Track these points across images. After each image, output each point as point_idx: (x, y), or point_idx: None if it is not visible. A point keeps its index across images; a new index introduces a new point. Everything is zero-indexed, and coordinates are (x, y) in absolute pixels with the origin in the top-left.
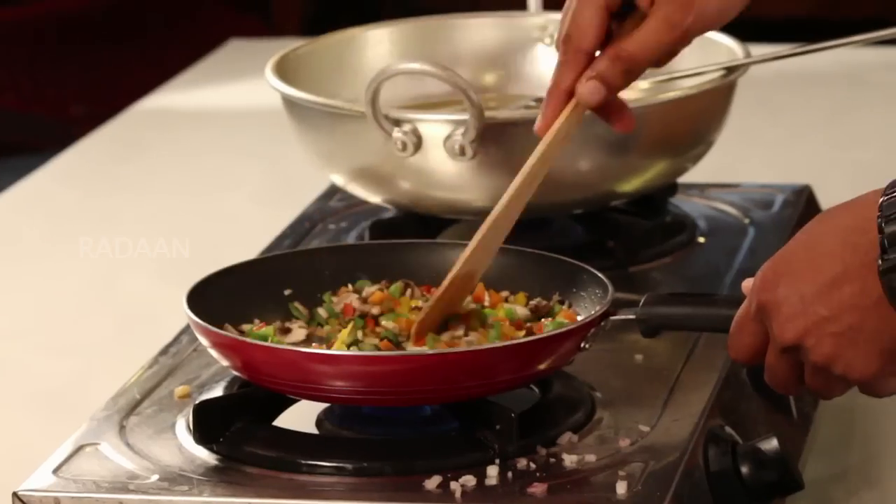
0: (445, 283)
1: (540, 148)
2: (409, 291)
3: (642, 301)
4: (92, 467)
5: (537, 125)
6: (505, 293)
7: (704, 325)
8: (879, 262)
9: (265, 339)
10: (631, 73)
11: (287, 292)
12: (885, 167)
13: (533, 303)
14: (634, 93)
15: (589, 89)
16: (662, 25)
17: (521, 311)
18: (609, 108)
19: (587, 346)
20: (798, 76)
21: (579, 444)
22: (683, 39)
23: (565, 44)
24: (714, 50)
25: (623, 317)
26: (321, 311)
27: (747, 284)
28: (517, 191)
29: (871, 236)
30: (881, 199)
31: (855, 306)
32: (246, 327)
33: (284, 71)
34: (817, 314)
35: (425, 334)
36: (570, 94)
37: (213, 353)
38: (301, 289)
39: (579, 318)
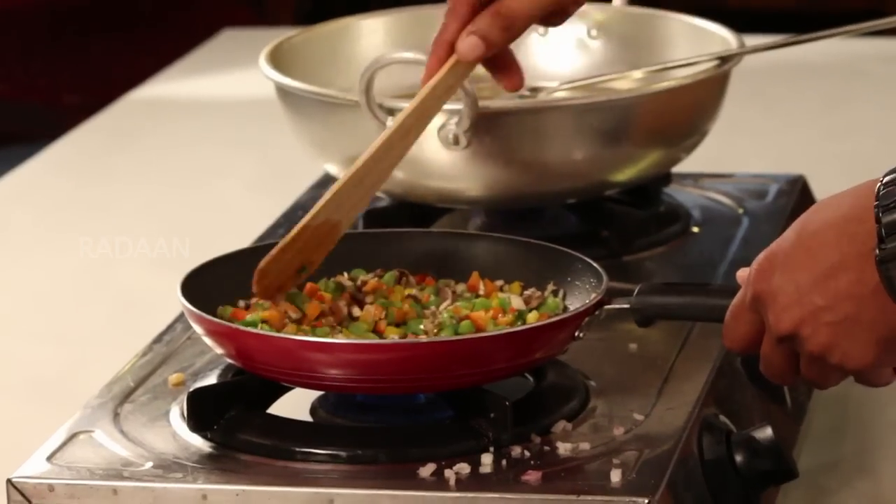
0: (297, 227)
1: (416, 100)
2: (403, 280)
3: (636, 290)
4: (86, 454)
5: (421, 76)
6: (500, 282)
7: (698, 314)
8: (877, 251)
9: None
10: (510, 30)
11: None
12: (878, 157)
13: (528, 292)
14: (628, 83)
15: (468, 45)
16: None
17: (516, 300)
18: (498, 64)
19: (581, 335)
20: (792, 67)
21: (573, 432)
22: None
23: None
24: (708, 40)
25: (617, 306)
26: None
27: (742, 274)
28: (386, 142)
29: (868, 226)
30: (878, 188)
31: (851, 296)
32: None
33: (278, 60)
34: (813, 304)
35: (267, 278)
36: (453, 43)
37: (208, 340)
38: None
39: (571, 307)
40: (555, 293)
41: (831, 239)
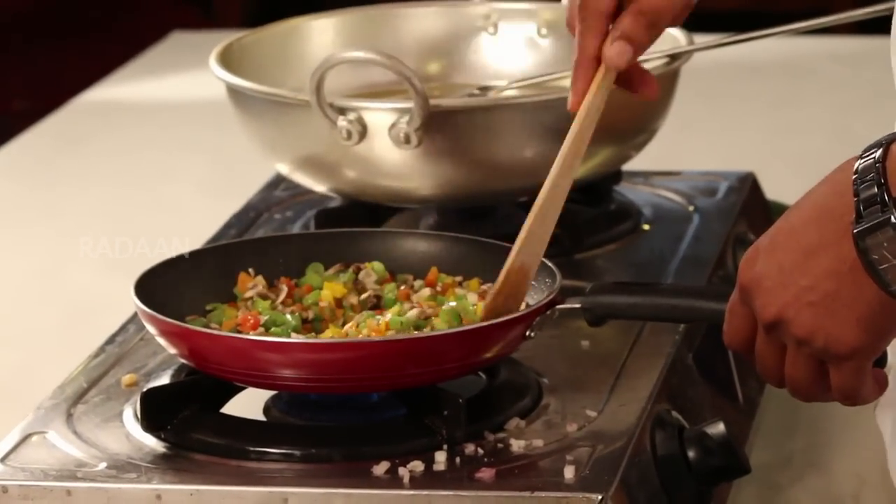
0: (501, 276)
1: (575, 126)
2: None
3: (587, 290)
4: (40, 455)
5: (570, 102)
6: (458, 278)
7: (649, 314)
8: (854, 225)
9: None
10: (655, 28)
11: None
12: (827, 154)
13: (484, 287)
14: None
15: (616, 50)
16: None
17: (472, 297)
18: (632, 75)
19: (532, 334)
20: (740, 65)
21: (527, 429)
22: None
23: (583, 10)
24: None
25: (569, 306)
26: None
27: None
28: (558, 175)
29: (845, 199)
30: (857, 163)
31: (831, 273)
32: (190, 318)
33: (228, 61)
34: (797, 284)
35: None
36: (598, 60)
37: (161, 341)
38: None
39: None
40: None
41: (812, 216)
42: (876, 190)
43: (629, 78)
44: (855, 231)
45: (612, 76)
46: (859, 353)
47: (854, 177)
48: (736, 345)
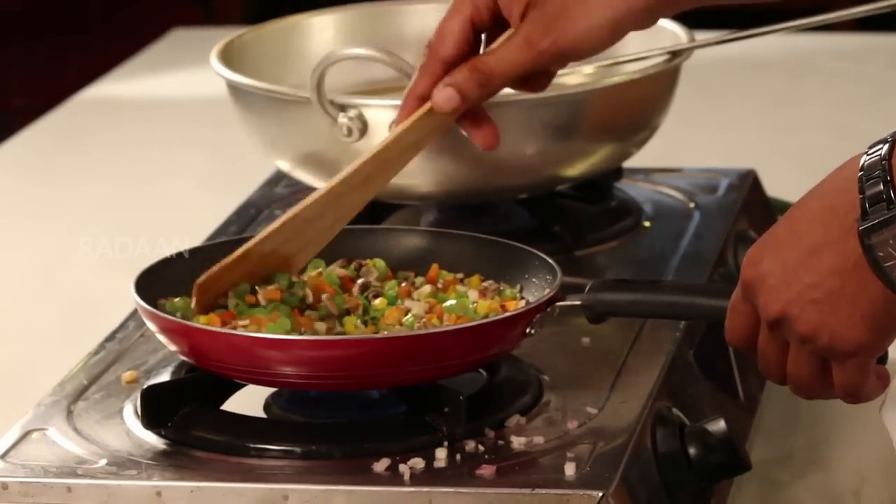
0: (241, 249)
1: (377, 147)
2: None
3: (588, 287)
4: (40, 452)
5: (390, 126)
6: (460, 275)
7: (650, 311)
8: (859, 222)
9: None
10: (486, 87)
11: None
12: (828, 151)
13: (485, 284)
14: (578, 77)
15: (443, 96)
16: (521, 44)
17: (473, 294)
18: (472, 121)
19: (532, 331)
20: (741, 62)
21: (527, 426)
22: (540, 61)
23: (428, 49)
24: (658, 35)
25: (569, 303)
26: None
27: None
28: (341, 184)
29: (850, 196)
30: (862, 160)
31: (835, 270)
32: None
33: (229, 58)
34: (801, 281)
35: (206, 294)
36: (424, 98)
37: (161, 338)
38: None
39: (521, 302)
40: (512, 288)
41: (816, 214)
42: (882, 187)
43: (469, 123)
44: (860, 228)
45: (440, 118)
46: (863, 350)
47: (860, 174)
48: (738, 342)
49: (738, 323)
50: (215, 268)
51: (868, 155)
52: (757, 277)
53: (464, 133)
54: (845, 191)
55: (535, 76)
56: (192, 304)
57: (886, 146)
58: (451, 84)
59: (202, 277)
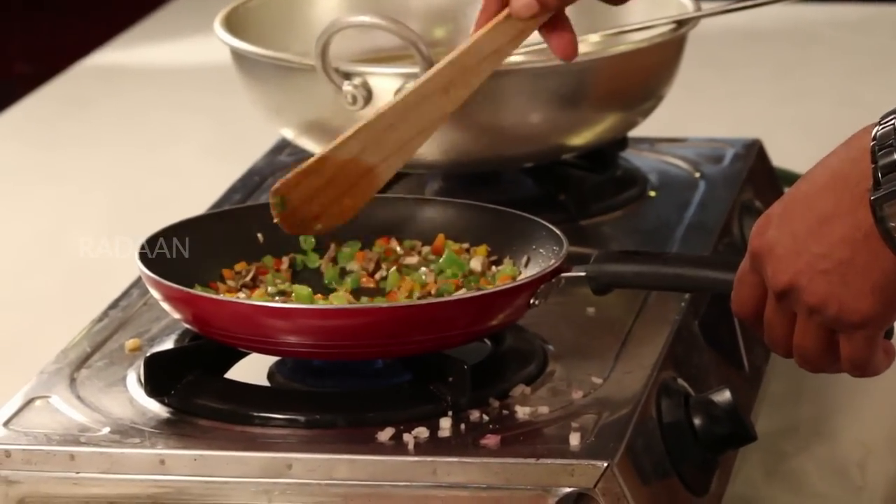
0: (316, 155)
1: (455, 52)
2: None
3: (592, 258)
4: (43, 420)
5: (471, 32)
6: (465, 245)
7: (654, 283)
8: (871, 192)
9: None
10: None
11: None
12: (833, 121)
13: (494, 258)
14: (584, 46)
15: (522, 2)
16: None
17: (475, 262)
18: (552, 30)
19: (536, 302)
20: (747, 32)
21: (532, 396)
22: None
23: None
24: (664, 4)
25: (573, 274)
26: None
27: None
28: (420, 89)
29: (862, 166)
30: (875, 129)
31: (846, 240)
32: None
33: (233, 25)
34: (810, 251)
35: (279, 194)
36: (504, 3)
37: (165, 306)
38: (251, 243)
39: (524, 272)
40: (516, 259)
41: (827, 183)
42: (895, 157)
43: (550, 32)
44: (872, 198)
45: (521, 24)
46: (872, 322)
47: (872, 143)
48: (744, 313)
49: (745, 294)
50: (291, 173)
51: (880, 125)
52: (765, 247)
53: (543, 41)
54: (857, 160)
55: None
56: (275, 218)
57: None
58: None
59: (277, 183)
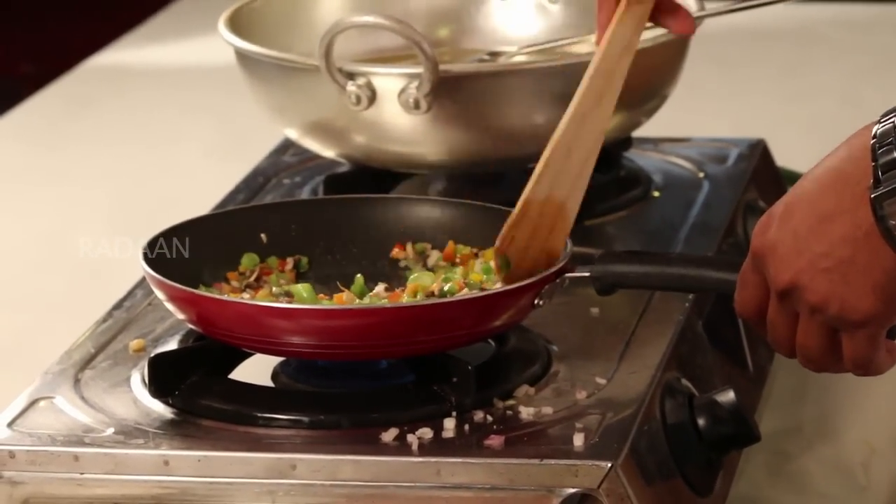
0: (520, 202)
1: (594, 61)
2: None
3: (596, 259)
4: (47, 421)
5: (595, 37)
6: (475, 249)
7: (659, 283)
8: (871, 190)
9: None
10: None
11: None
12: (836, 121)
13: None
14: (588, 46)
15: None
16: None
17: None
18: (664, 10)
19: (541, 302)
20: (751, 32)
21: (536, 396)
22: None
23: None
24: None
25: (577, 274)
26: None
27: None
28: (578, 108)
29: (863, 165)
30: (875, 128)
31: (846, 239)
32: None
33: (237, 25)
34: (811, 250)
35: (502, 253)
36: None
37: (170, 306)
38: (255, 243)
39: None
40: None
41: (828, 182)
42: (895, 154)
43: (662, 12)
44: (872, 196)
45: (639, 10)
46: (874, 320)
47: (872, 142)
48: (747, 313)
49: (748, 294)
50: (505, 229)
51: (880, 123)
52: (767, 246)
53: (659, 26)
54: (857, 159)
55: None
56: (495, 271)
57: None
58: None
59: (497, 242)
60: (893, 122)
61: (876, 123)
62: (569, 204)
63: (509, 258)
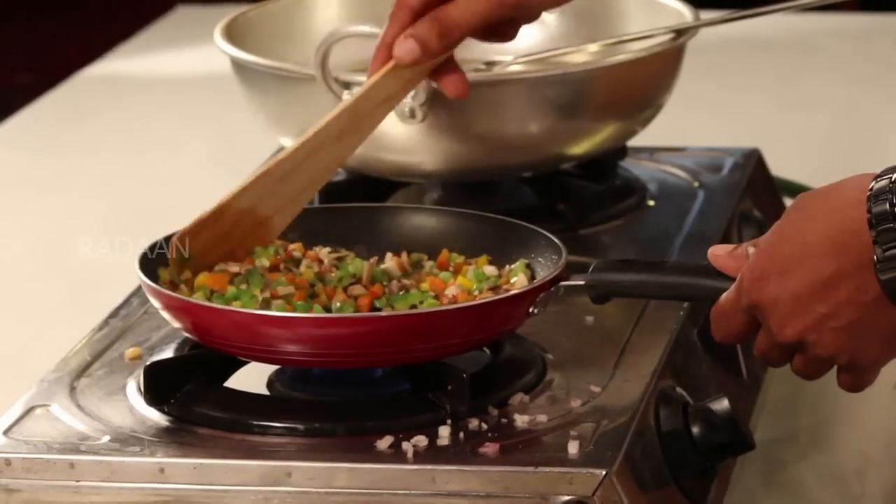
0: (217, 203)
1: (346, 102)
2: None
3: (591, 267)
4: (43, 428)
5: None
6: (467, 259)
7: (654, 292)
8: (876, 262)
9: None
10: (447, 38)
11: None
12: (831, 131)
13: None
14: (583, 55)
15: (405, 48)
16: None
17: (490, 269)
18: (441, 72)
19: (536, 310)
20: (746, 41)
21: (531, 404)
22: (502, 11)
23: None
24: (663, 13)
25: (572, 283)
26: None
27: (716, 253)
28: (314, 138)
29: (862, 238)
30: (869, 196)
31: (853, 303)
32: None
33: (233, 34)
34: (816, 312)
35: (182, 243)
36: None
37: (165, 315)
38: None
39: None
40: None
41: (826, 250)
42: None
43: (439, 74)
44: (878, 268)
45: (411, 71)
46: (881, 364)
47: (868, 214)
48: (731, 341)
49: (734, 329)
50: (192, 222)
51: (873, 192)
52: (766, 302)
53: (434, 85)
54: (855, 232)
55: (501, 26)
56: (171, 257)
57: (892, 182)
58: (412, 35)
59: (179, 232)
60: (889, 198)
61: (867, 189)
62: (272, 223)
63: (188, 250)
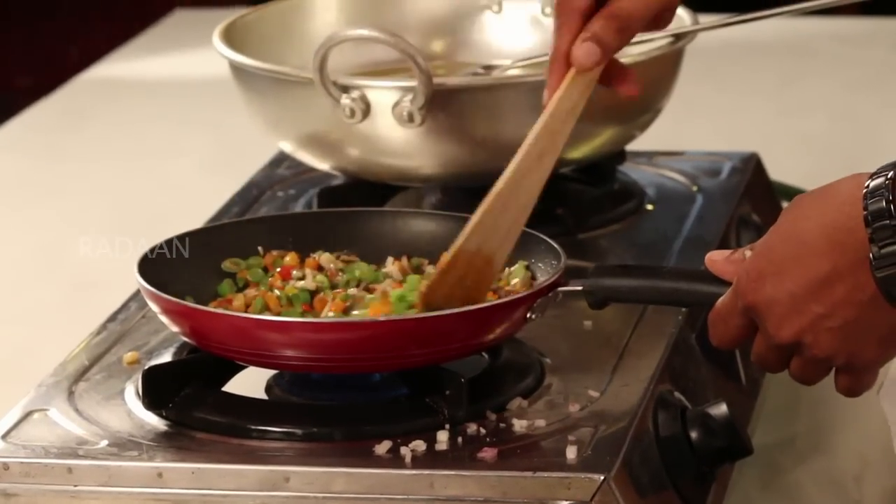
0: (451, 251)
1: (540, 121)
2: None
3: (589, 272)
4: (41, 433)
5: (544, 96)
6: None
7: (651, 297)
8: (871, 260)
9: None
10: (626, 32)
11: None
12: (830, 135)
13: None
14: None
15: (584, 51)
16: None
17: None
18: (611, 73)
19: (534, 315)
20: (744, 45)
21: (529, 409)
22: None
23: (560, 6)
24: None
25: (570, 288)
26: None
27: (714, 258)
28: (520, 166)
29: (858, 235)
30: (865, 194)
31: (850, 302)
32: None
33: (232, 38)
34: (812, 312)
35: (427, 307)
36: (569, 57)
37: (164, 319)
38: (250, 256)
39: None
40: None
41: (822, 249)
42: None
43: (609, 75)
44: (874, 266)
45: (590, 74)
46: (877, 365)
47: (865, 211)
48: (728, 346)
49: (731, 333)
50: (434, 276)
51: (869, 190)
52: (762, 303)
53: (605, 86)
54: (851, 229)
55: (662, 13)
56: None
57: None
58: (589, 37)
59: (424, 288)
60: (884, 194)
61: (864, 187)
62: (496, 258)
63: (433, 306)
